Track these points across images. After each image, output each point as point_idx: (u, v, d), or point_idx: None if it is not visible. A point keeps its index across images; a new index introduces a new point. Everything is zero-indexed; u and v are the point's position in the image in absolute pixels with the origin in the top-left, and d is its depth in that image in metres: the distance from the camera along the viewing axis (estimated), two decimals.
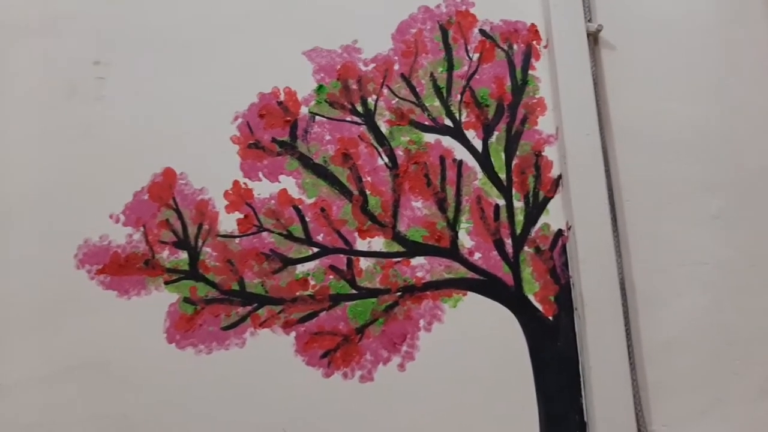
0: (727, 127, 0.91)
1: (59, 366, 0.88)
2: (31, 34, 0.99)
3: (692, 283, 0.84)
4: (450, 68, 0.95)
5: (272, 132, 0.94)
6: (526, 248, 0.88)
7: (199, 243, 0.91)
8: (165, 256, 0.91)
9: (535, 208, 0.90)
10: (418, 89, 0.95)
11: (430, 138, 0.93)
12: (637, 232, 0.87)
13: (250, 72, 0.96)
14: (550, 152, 0.91)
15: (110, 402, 0.87)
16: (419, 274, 0.88)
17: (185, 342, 0.88)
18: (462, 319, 0.86)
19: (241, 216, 0.92)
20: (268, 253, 0.90)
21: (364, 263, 0.89)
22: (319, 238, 0.90)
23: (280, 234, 0.91)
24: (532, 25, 0.96)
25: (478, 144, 0.93)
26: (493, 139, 0.93)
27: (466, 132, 0.93)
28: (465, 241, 0.89)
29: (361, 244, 0.90)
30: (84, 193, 0.93)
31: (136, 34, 0.98)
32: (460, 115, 0.93)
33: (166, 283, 0.90)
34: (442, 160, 0.92)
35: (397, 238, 0.90)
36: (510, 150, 0.92)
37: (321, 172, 0.93)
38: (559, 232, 0.88)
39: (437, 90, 0.95)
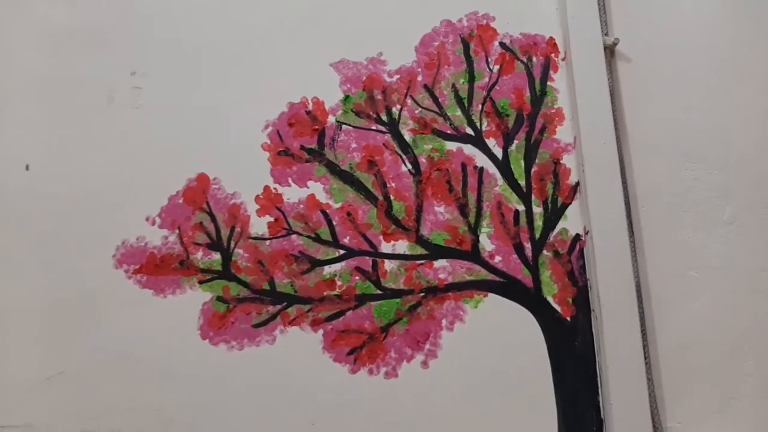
0: (739, 136, 0.96)
1: (97, 360, 0.95)
2: (74, 46, 1.07)
3: (705, 286, 0.89)
4: (471, 79, 1.01)
5: (301, 140, 1.01)
6: (545, 252, 0.94)
7: (232, 245, 0.98)
8: (199, 257, 0.98)
9: (554, 213, 0.95)
10: (440, 99, 1.01)
11: (452, 146, 0.99)
12: (652, 237, 0.92)
13: (280, 83, 1.03)
14: (568, 160, 0.96)
15: (145, 395, 0.94)
16: (441, 276, 0.94)
17: (218, 338, 0.95)
18: (483, 320, 0.92)
19: (272, 219, 0.98)
20: (297, 254, 0.97)
21: (388, 265, 0.95)
22: (346, 240, 0.97)
23: (308, 237, 0.97)
24: (551, 38, 1.01)
25: (498, 152, 0.98)
26: (513, 147, 0.98)
27: (486, 140, 0.99)
28: (486, 244, 0.95)
29: (385, 247, 0.96)
30: (122, 197, 1.01)
31: (172, 47, 1.06)
32: (481, 125, 0.99)
33: (200, 282, 0.97)
34: (464, 167, 0.98)
35: (420, 241, 0.96)
36: (529, 158, 0.98)
37: (347, 178, 0.99)
38: (577, 237, 0.94)
39: (459, 100, 1.01)
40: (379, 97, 1.01)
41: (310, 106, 1.02)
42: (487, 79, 1.00)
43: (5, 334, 0.96)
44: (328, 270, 0.96)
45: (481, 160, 0.98)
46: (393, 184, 0.98)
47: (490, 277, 0.93)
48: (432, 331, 0.92)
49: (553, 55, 1.01)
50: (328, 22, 1.05)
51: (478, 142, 0.99)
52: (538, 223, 0.95)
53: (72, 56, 1.06)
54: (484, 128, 0.99)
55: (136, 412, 0.93)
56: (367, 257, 0.96)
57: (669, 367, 0.87)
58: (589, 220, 0.91)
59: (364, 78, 1.02)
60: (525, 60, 1.01)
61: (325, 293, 0.95)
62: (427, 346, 0.92)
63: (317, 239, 0.97)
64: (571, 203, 0.95)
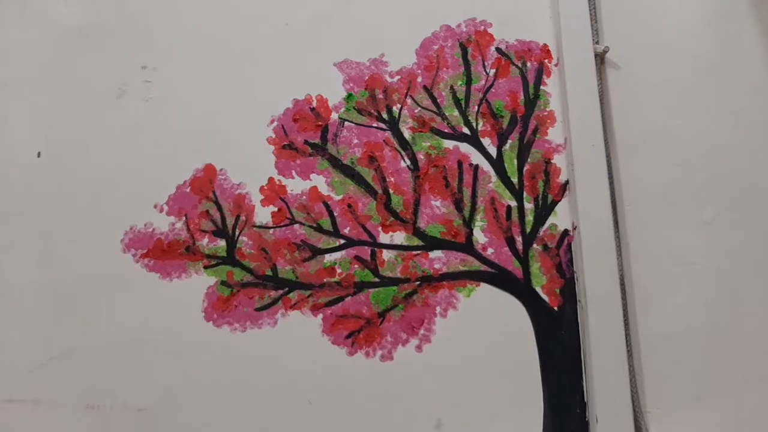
0: (721, 141, 1.04)
1: (104, 339, 1.02)
2: (86, 40, 1.14)
3: (686, 281, 0.97)
4: (468, 82, 1.09)
5: (305, 135, 1.09)
6: (534, 245, 1.01)
7: (236, 232, 1.05)
8: (205, 243, 1.05)
9: (544, 209, 1.03)
10: (438, 100, 1.09)
11: (449, 144, 1.07)
12: (636, 234, 1.00)
13: (285, 80, 1.10)
14: (558, 160, 1.04)
15: (150, 373, 1.00)
16: (437, 266, 1.02)
17: (222, 321, 1.02)
18: (475, 308, 0.99)
19: (275, 209, 1.06)
20: (299, 243, 1.04)
21: (386, 255, 1.03)
22: (346, 231, 1.04)
23: (310, 226, 1.05)
24: (545, 45, 1.09)
25: (492, 151, 1.06)
26: (507, 146, 1.06)
27: (482, 140, 1.07)
28: (479, 237, 1.03)
29: (384, 238, 1.04)
30: (131, 185, 1.08)
31: (182, 42, 1.13)
32: (476, 125, 1.07)
33: (206, 267, 1.04)
34: (460, 164, 1.06)
35: (417, 233, 1.04)
36: (522, 157, 1.05)
37: (349, 172, 1.07)
38: (566, 232, 1.02)
39: (456, 101, 1.09)
40: (381, 96, 1.09)
41: (314, 103, 1.09)
42: (483, 82, 1.08)
43: (16, 314, 1.03)
44: (328, 258, 1.03)
45: (476, 158, 1.06)
46: (392, 179, 1.06)
47: (483, 268, 1.01)
48: (426, 318, 0.99)
49: (546, 60, 1.09)
50: (333, 24, 1.12)
51: (474, 141, 1.06)
52: (529, 218, 1.02)
53: (85, 51, 1.13)
54: (479, 128, 1.07)
55: (141, 389, 1.00)
56: (366, 247, 1.03)
57: (650, 356, 0.94)
58: (577, 216, 0.99)
59: (367, 78, 1.10)
60: (520, 65, 1.09)
61: (325, 280, 1.02)
62: (422, 332, 0.99)
63: (319, 229, 1.04)
64: (560, 200, 1.02)
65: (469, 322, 0.98)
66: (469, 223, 1.03)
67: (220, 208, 1.06)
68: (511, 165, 1.05)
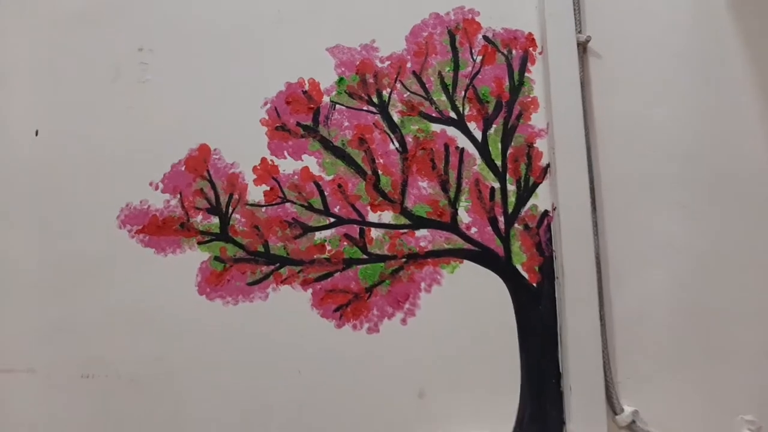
0: (696, 129, 1.10)
1: (99, 311, 1.08)
2: (83, 23, 1.19)
3: (659, 261, 1.04)
4: (456, 68, 1.15)
5: (297, 117, 1.15)
6: (516, 225, 1.08)
7: (230, 210, 1.11)
8: (199, 220, 1.11)
9: (526, 191, 1.10)
10: (427, 85, 1.15)
11: (436, 128, 1.13)
12: (613, 215, 1.07)
13: (279, 63, 1.15)
14: (540, 144, 1.11)
15: (144, 344, 1.06)
16: (422, 244, 1.09)
17: (214, 294, 1.08)
18: (458, 283, 1.06)
19: (268, 188, 1.12)
20: (290, 221, 1.10)
21: (374, 233, 1.09)
22: (336, 210, 1.11)
23: (301, 205, 1.11)
24: (530, 33, 1.15)
25: (478, 135, 1.12)
26: (492, 131, 1.13)
27: (468, 124, 1.13)
28: (464, 217, 1.09)
29: (372, 217, 1.10)
30: (127, 164, 1.14)
31: (178, 24, 1.18)
32: (463, 109, 1.14)
33: (199, 243, 1.10)
34: (446, 147, 1.12)
35: (404, 212, 1.10)
36: (506, 141, 1.12)
37: (339, 153, 1.13)
38: (546, 213, 1.09)
39: (444, 86, 1.15)
40: (371, 80, 1.15)
41: (307, 87, 1.15)
42: (470, 69, 1.15)
43: (14, 287, 1.09)
44: (318, 236, 1.09)
45: (462, 141, 1.12)
46: (381, 161, 1.12)
47: (466, 246, 1.08)
48: (412, 293, 1.06)
49: (531, 49, 1.15)
50: (325, 10, 1.17)
51: (460, 125, 1.13)
52: (511, 199, 1.09)
53: (82, 33, 1.18)
54: (466, 113, 1.13)
55: (135, 360, 1.06)
56: (355, 225, 1.10)
57: (622, 330, 1.02)
58: (557, 198, 1.06)
59: (358, 63, 1.16)
60: (505, 52, 1.15)
61: (315, 256, 1.09)
62: (407, 306, 1.06)
63: (310, 208, 1.11)
64: (541, 183, 1.09)
65: (452, 297, 1.05)
66: (454, 204, 1.10)
67: (214, 187, 1.12)
68: (495, 148, 1.11)
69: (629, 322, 1.02)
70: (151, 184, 1.12)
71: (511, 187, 1.09)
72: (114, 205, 1.12)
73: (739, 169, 1.09)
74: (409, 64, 1.15)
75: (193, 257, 1.09)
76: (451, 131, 1.12)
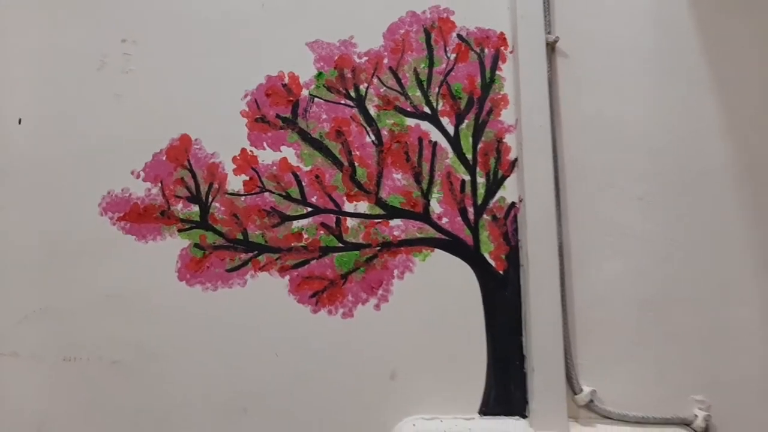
0: (657, 126, 1.18)
1: (81, 296, 1.13)
2: (69, 14, 1.24)
3: (617, 250, 1.13)
4: (431, 65, 1.22)
5: (277, 109, 1.21)
6: (484, 216, 1.16)
7: (210, 199, 1.17)
8: (179, 208, 1.17)
9: (495, 184, 1.18)
10: (403, 81, 1.22)
11: (411, 122, 1.19)
12: (576, 207, 1.15)
13: (260, 57, 1.21)
14: (509, 139, 1.18)
15: (126, 329, 1.12)
16: (396, 233, 1.16)
17: (194, 280, 1.14)
18: (429, 271, 1.13)
19: (247, 178, 1.18)
20: (268, 210, 1.17)
21: (350, 222, 1.16)
22: (313, 200, 1.17)
23: (279, 195, 1.18)
24: (501, 33, 1.22)
25: (450, 129, 1.20)
26: (464, 126, 1.20)
27: (441, 119, 1.20)
28: (435, 207, 1.17)
29: (348, 207, 1.17)
30: (109, 152, 1.19)
31: (162, 17, 1.23)
32: (437, 105, 1.21)
33: (180, 230, 1.16)
34: (420, 140, 1.20)
35: (379, 203, 1.18)
36: (477, 135, 1.20)
37: (317, 145, 1.20)
38: (513, 205, 1.16)
39: (419, 82, 1.22)
40: (349, 75, 1.22)
41: (287, 80, 1.22)
42: (444, 66, 1.22)
43: None
44: (296, 224, 1.16)
45: (435, 135, 1.19)
46: (357, 153, 1.19)
47: (438, 235, 1.15)
48: (385, 280, 1.14)
49: (502, 48, 1.23)
50: (306, 6, 1.22)
51: (434, 119, 1.20)
52: (481, 191, 1.17)
53: (68, 24, 1.23)
54: (439, 108, 1.21)
55: (116, 343, 1.12)
56: (332, 215, 1.16)
57: (582, 315, 1.10)
58: (524, 190, 1.13)
59: (336, 58, 1.22)
60: (478, 51, 1.23)
61: (292, 244, 1.15)
62: (380, 292, 1.13)
63: (288, 197, 1.17)
64: (509, 176, 1.17)
65: (423, 283, 1.12)
66: (426, 195, 1.17)
67: (194, 176, 1.18)
68: (466, 143, 1.19)
69: (589, 307, 1.11)
70: (132, 172, 1.18)
71: (481, 180, 1.17)
72: (96, 193, 1.17)
73: (696, 164, 1.17)
74: (385, 60, 1.21)
75: (174, 244, 1.15)
76: (425, 126, 1.19)
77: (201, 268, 1.14)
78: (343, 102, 1.20)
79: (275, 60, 1.21)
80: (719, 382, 1.09)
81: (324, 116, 1.19)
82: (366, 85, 1.20)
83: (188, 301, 1.12)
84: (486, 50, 1.22)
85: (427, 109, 1.19)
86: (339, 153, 1.17)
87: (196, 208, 1.16)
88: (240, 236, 1.15)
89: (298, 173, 1.16)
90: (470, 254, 1.14)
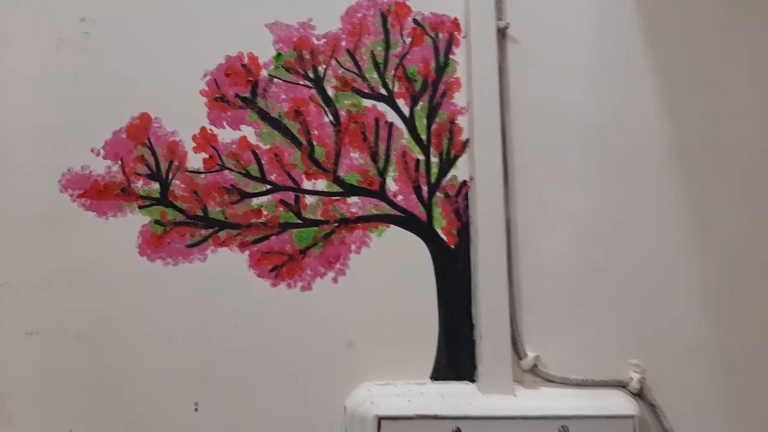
0: (602, 109, 1.27)
1: (43, 272, 1.17)
2: None
3: (562, 226, 1.22)
4: (387, 48, 1.29)
5: (236, 89, 1.26)
6: (437, 194, 1.24)
7: (170, 176, 1.22)
8: (140, 185, 1.22)
9: (447, 163, 1.26)
10: (360, 63, 1.28)
11: (368, 103, 1.26)
12: (523, 186, 1.23)
13: (219, 37, 1.24)
14: (461, 121, 1.26)
15: (88, 303, 1.16)
16: (353, 210, 1.23)
17: (155, 256, 1.19)
18: (385, 246, 1.20)
19: (207, 156, 1.23)
20: (228, 187, 1.22)
21: (309, 200, 1.23)
22: (273, 177, 1.23)
23: (239, 172, 1.23)
24: (455, 18, 1.29)
25: (406, 111, 1.26)
26: (418, 107, 1.27)
27: (397, 100, 1.27)
28: (391, 186, 1.24)
29: (307, 184, 1.23)
30: (69, 130, 1.22)
31: None
32: (393, 87, 1.28)
33: (140, 207, 1.20)
34: (377, 121, 1.26)
35: (337, 181, 1.24)
36: (431, 117, 1.27)
37: (276, 124, 1.25)
38: (464, 183, 1.24)
39: (376, 65, 1.29)
40: (308, 57, 1.28)
41: (246, 60, 1.27)
42: (400, 49, 1.29)
43: None
44: (255, 201, 1.22)
45: (391, 116, 1.25)
46: (316, 132, 1.25)
47: (393, 212, 1.23)
48: (342, 254, 1.21)
49: (456, 33, 1.30)
50: None
51: (390, 101, 1.27)
52: (434, 170, 1.25)
53: (26, 2, 1.25)
54: (395, 90, 1.28)
55: (78, 317, 1.15)
56: (291, 192, 1.23)
57: (527, 286, 1.19)
58: (474, 170, 1.22)
59: (295, 39, 1.28)
60: (433, 35, 1.30)
61: (252, 221, 1.21)
62: (338, 266, 1.20)
63: (247, 175, 1.23)
64: (461, 156, 1.25)
65: (379, 257, 1.20)
66: (382, 174, 1.24)
67: (154, 154, 1.22)
68: (421, 124, 1.26)
69: (534, 280, 1.20)
70: (93, 150, 1.21)
71: (435, 160, 1.25)
72: (56, 171, 1.20)
73: (635, 146, 1.27)
74: (343, 43, 1.28)
75: (134, 221, 1.19)
76: (382, 107, 1.26)
77: (162, 243, 1.19)
78: (301, 83, 1.25)
79: (235, 41, 1.25)
80: (652, 347, 1.20)
81: (283, 96, 1.25)
82: (324, 66, 1.26)
83: (149, 275, 1.17)
84: (440, 35, 1.29)
85: (383, 91, 1.26)
86: (298, 132, 1.23)
87: (156, 186, 1.21)
88: (200, 213, 1.20)
89: (257, 152, 1.22)
90: (424, 230, 1.22)
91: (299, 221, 1.21)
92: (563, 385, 1.17)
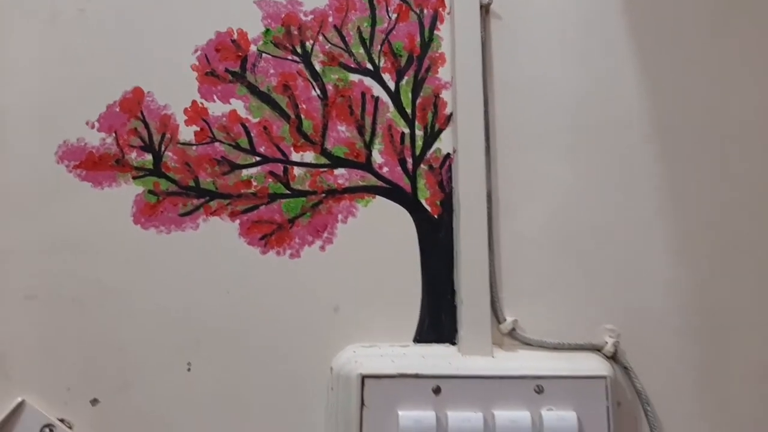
0: (584, 85, 1.34)
1: (40, 241, 1.24)
2: None
3: (541, 196, 1.29)
4: (373, 24, 1.35)
5: (226, 64, 1.33)
6: (422, 166, 1.31)
7: (162, 148, 1.29)
8: (133, 157, 1.28)
9: (431, 136, 1.33)
10: (347, 38, 1.35)
11: (354, 78, 1.33)
12: (505, 158, 1.30)
13: (209, 13, 1.31)
14: (445, 95, 1.33)
15: (84, 269, 1.23)
16: (340, 181, 1.30)
17: (149, 224, 1.26)
18: (371, 215, 1.27)
19: (198, 129, 1.30)
20: (219, 159, 1.29)
21: (297, 171, 1.30)
22: (262, 149, 1.30)
23: (229, 145, 1.30)
24: None
25: (392, 85, 1.33)
26: (404, 82, 1.34)
27: (383, 75, 1.34)
28: (377, 158, 1.31)
29: (295, 156, 1.30)
30: (63, 104, 1.28)
31: None
32: (379, 62, 1.34)
33: (134, 178, 1.27)
34: (363, 95, 1.33)
35: (325, 153, 1.31)
36: (416, 91, 1.34)
37: (265, 98, 1.32)
38: (447, 155, 1.31)
39: (362, 40, 1.35)
40: (296, 32, 1.34)
41: (235, 36, 1.33)
42: (386, 25, 1.35)
43: None
44: (245, 173, 1.29)
45: (377, 90, 1.32)
46: (304, 106, 1.32)
47: (379, 183, 1.30)
48: (330, 223, 1.28)
49: (440, 9, 1.36)
50: None
51: (376, 76, 1.34)
52: (419, 143, 1.32)
53: None
54: (381, 65, 1.34)
55: (75, 283, 1.22)
56: (279, 164, 1.30)
57: (507, 254, 1.26)
58: (458, 142, 1.29)
59: (283, 15, 1.34)
60: (418, 11, 1.36)
61: (242, 191, 1.28)
62: (325, 235, 1.28)
63: (237, 147, 1.30)
64: (445, 129, 1.32)
65: (365, 227, 1.26)
66: (369, 146, 1.31)
67: (147, 126, 1.29)
68: (406, 98, 1.33)
69: (514, 248, 1.28)
70: (87, 123, 1.28)
71: (419, 133, 1.31)
72: (52, 142, 1.26)
73: (617, 119, 1.34)
74: (330, 19, 1.34)
75: (128, 191, 1.26)
76: (368, 81, 1.32)
77: (155, 212, 1.26)
78: (290, 58, 1.32)
79: (225, 17, 1.31)
80: (627, 312, 1.28)
81: (272, 71, 1.31)
82: (312, 42, 1.32)
83: (143, 243, 1.24)
84: (425, 11, 1.36)
85: (369, 66, 1.33)
86: (286, 106, 1.30)
87: (149, 157, 1.27)
88: (192, 183, 1.27)
89: (247, 124, 1.29)
90: (408, 201, 1.29)
91: (288, 192, 1.28)
92: (540, 348, 1.25)
